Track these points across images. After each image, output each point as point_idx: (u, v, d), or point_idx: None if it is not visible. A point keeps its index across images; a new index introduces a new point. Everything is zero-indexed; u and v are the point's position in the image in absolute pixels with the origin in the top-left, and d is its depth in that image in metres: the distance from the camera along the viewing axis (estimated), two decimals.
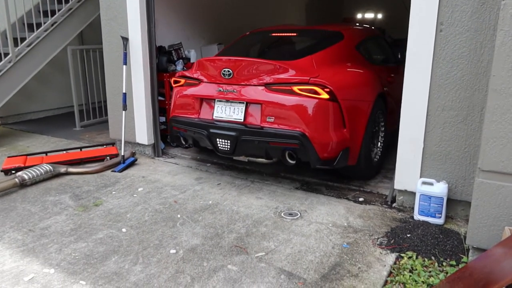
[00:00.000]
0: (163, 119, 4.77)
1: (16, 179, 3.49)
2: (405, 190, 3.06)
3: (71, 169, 3.93)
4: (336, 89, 3.11)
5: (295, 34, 4.03)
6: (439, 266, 2.35)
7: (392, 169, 3.55)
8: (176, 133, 3.71)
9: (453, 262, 2.36)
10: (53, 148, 4.75)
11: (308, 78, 3.10)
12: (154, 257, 2.46)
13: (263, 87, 3.21)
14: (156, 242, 2.64)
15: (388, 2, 11.54)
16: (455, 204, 2.91)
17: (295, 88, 3.09)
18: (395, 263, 2.39)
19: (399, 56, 4.43)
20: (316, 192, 3.45)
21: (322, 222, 2.90)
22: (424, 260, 2.40)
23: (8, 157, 4.22)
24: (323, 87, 3.07)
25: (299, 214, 3.02)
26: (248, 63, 3.27)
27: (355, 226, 2.84)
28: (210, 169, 4.07)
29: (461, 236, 2.64)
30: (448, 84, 2.75)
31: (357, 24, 5.20)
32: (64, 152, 4.48)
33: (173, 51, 5.01)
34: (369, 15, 12.29)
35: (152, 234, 2.74)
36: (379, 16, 12.15)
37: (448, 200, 2.83)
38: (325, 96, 3.06)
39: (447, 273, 2.27)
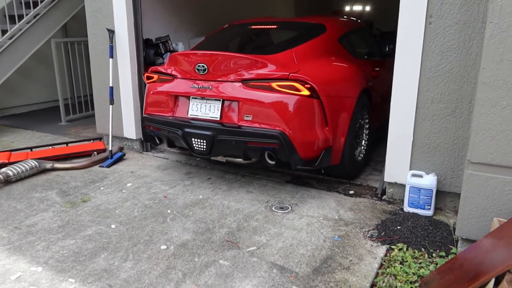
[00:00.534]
0: None
1: (0, 176, 3.41)
2: (395, 183, 3.08)
3: (58, 165, 3.85)
4: (317, 85, 2.97)
5: (275, 26, 3.85)
6: (429, 258, 2.37)
7: (381, 162, 3.58)
8: (149, 132, 3.53)
9: (443, 253, 2.39)
10: (38, 144, 4.64)
11: (288, 73, 2.94)
12: (145, 253, 2.43)
13: (240, 83, 3.04)
14: (146, 238, 2.61)
15: None
16: (444, 196, 2.95)
17: (274, 85, 2.93)
18: (386, 255, 2.40)
19: (387, 49, 4.33)
20: (306, 186, 3.45)
21: (313, 215, 2.90)
22: (414, 252, 2.42)
23: None
24: (303, 83, 2.92)
25: (290, 208, 3.02)
26: (224, 57, 3.09)
27: (346, 219, 2.85)
28: (200, 163, 4.04)
29: (450, 228, 2.67)
30: (437, 76, 2.76)
31: (345, 16, 5.14)
32: (50, 147, 4.38)
33: (160, 44, 4.94)
34: (358, 8, 12.30)
35: (142, 230, 2.71)
36: (367, 8, 12.17)
37: (437, 192, 2.86)
38: (306, 92, 2.92)
39: (437, 264, 2.29)
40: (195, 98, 3.26)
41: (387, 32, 6.72)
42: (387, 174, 3.09)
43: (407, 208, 2.92)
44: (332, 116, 3.09)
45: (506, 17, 2.04)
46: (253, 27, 3.95)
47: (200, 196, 3.24)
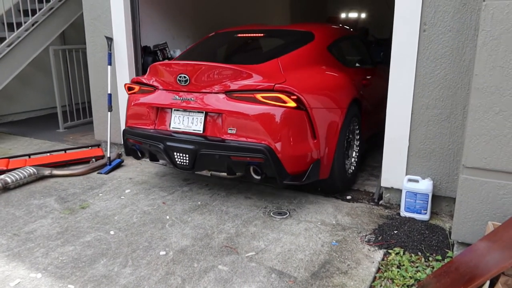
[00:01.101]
0: None
1: None
2: (392, 188, 3.11)
3: (56, 172, 3.86)
4: (304, 96, 2.84)
5: (262, 34, 3.72)
6: (425, 261, 2.40)
7: (378, 167, 3.62)
8: (131, 145, 3.37)
9: (439, 257, 2.42)
10: (36, 150, 4.65)
11: (273, 84, 2.81)
12: (144, 259, 2.45)
13: (223, 95, 2.91)
14: (146, 244, 2.63)
15: (371, 2, 11.68)
16: (440, 200, 2.98)
17: (259, 96, 2.80)
18: (383, 259, 2.43)
19: (381, 55, 4.25)
20: (304, 191, 3.47)
21: (311, 220, 2.93)
22: (411, 256, 2.45)
23: None
24: (289, 94, 2.79)
25: (288, 213, 3.04)
26: (206, 68, 2.95)
27: (344, 224, 2.88)
28: None
29: (446, 232, 2.70)
30: (432, 83, 2.81)
31: (340, 24, 5.12)
32: (48, 154, 4.39)
33: (158, 51, 4.98)
34: (353, 15, 12.42)
35: (141, 236, 2.72)
36: (363, 15, 12.30)
37: (433, 196, 2.90)
38: (292, 104, 2.79)
39: (433, 267, 2.32)
40: (177, 110, 3.13)
41: (383, 39, 6.81)
42: (383, 179, 3.13)
43: (403, 213, 2.96)
44: (320, 128, 2.98)
45: (497, 25, 2.09)
46: (239, 35, 3.83)
47: (199, 202, 3.25)
